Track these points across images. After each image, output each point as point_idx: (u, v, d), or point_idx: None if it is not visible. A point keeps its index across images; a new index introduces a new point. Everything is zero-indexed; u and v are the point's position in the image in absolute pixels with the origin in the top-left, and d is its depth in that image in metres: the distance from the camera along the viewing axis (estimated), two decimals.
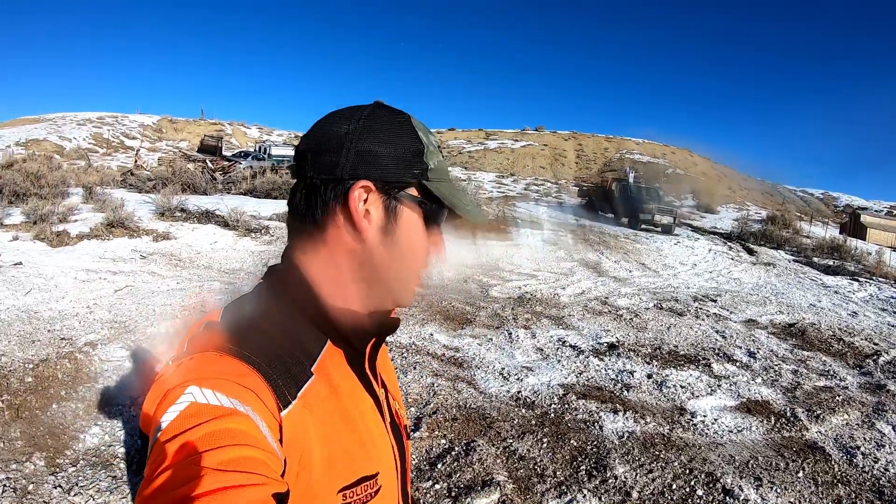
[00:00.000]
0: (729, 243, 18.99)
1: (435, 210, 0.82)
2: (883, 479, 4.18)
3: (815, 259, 17.61)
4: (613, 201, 22.27)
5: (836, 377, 6.31)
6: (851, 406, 5.47)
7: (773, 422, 4.97)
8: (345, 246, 0.79)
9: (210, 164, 23.29)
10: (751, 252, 17.50)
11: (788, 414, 5.13)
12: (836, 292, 12.51)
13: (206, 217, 11.32)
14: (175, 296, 6.82)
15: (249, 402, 0.63)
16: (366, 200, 0.78)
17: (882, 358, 7.30)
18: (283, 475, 0.63)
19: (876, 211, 47.82)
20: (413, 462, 3.83)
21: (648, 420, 4.78)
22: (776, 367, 6.36)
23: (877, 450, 4.61)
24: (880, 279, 15.60)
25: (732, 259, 15.90)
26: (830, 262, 17.04)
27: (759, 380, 5.94)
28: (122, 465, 3.44)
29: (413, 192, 0.81)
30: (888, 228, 31.71)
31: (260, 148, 29.84)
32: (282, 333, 0.75)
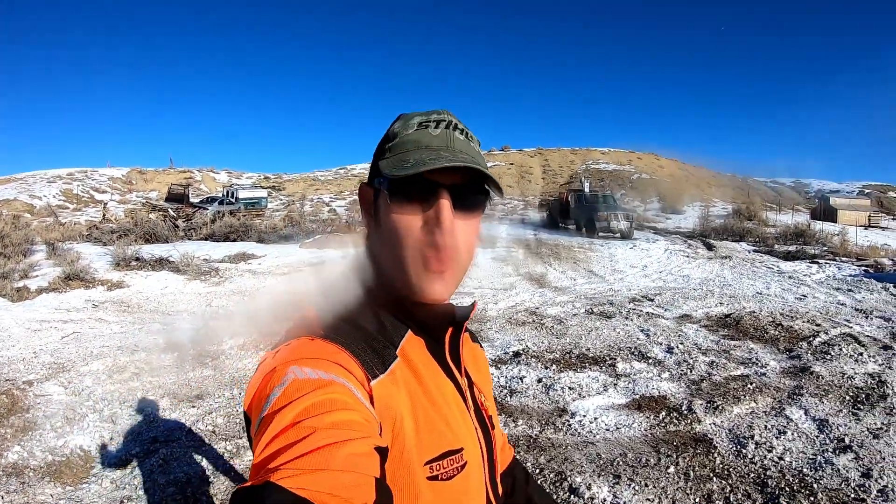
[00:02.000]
0: (689, 241, 18.85)
1: (392, 185, 0.81)
2: (771, 469, 3.82)
3: (777, 247, 17.43)
4: (570, 212, 22.27)
5: (757, 364, 5.98)
6: (763, 393, 5.13)
7: (661, 417, 4.64)
8: (370, 241, 0.88)
9: (172, 212, 24.02)
10: (710, 247, 17.32)
11: (683, 408, 4.80)
12: (790, 277, 12.26)
13: (160, 264, 11.68)
14: (115, 338, 7.05)
15: (343, 375, 0.69)
16: (366, 199, 0.88)
17: (818, 339, 6.97)
18: (380, 434, 0.68)
19: (847, 192, 48.29)
20: None
21: (520, 423, 4.51)
22: (691, 361, 6.01)
23: (775, 438, 4.24)
24: (843, 259, 15.39)
25: (688, 256, 15.70)
26: (792, 248, 16.83)
27: (665, 375, 5.60)
28: (31, 474, 3.85)
29: (378, 174, 0.84)
30: (858, 208, 32.18)
31: (228, 192, 30.54)
32: (366, 321, 0.81)
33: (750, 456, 3.99)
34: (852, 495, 3.50)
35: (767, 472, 3.77)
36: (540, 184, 49.20)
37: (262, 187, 38.59)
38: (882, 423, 4.51)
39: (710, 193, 41.90)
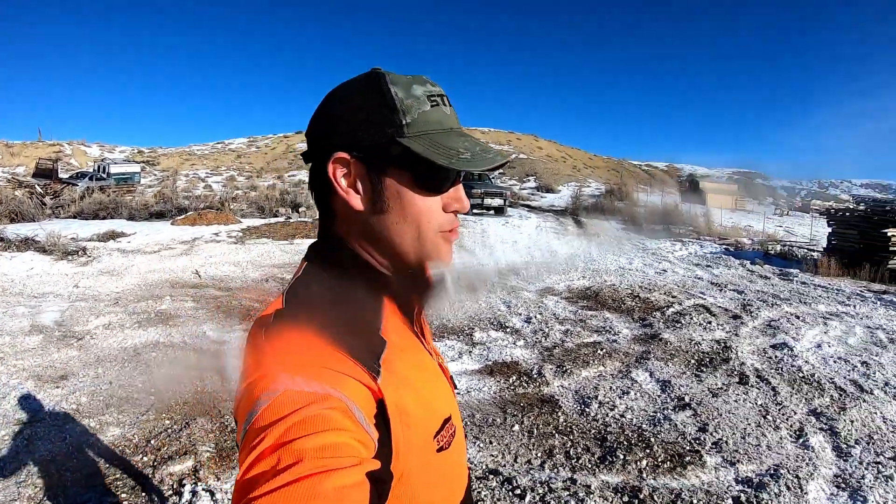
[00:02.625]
0: (560, 219, 19.48)
1: (419, 167, 0.76)
2: (612, 426, 4.02)
3: (645, 225, 18.33)
4: None
5: (610, 332, 6.25)
6: (612, 358, 5.38)
7: (512, 381, 4.79)
8: (350, 218, 0.80)
9: (39, 189, 22.59)
10: (580, 225, 17.98)
11: (534, 372, 4.97)
12: (653, 254, 12.91)
13: (26, 244, 10.92)
14: None
15: (340, 384, 0.64)
16: (348, 173, 0.78)
17: (672, 309, 7.40)
18: (384, 452, 0.65)
19: (717, 177, 51.69)
20: None
21: None
22: (547, 330, 6.22)
23: (619, 398, 4.47)
24: (706, 238, 16.40)
25: (557, 233, 16.20)
26: (659, 227, 17.74)
27: (521, 343, 5.78)
28: None
29: (397, 152, 0.76)
30: (724, 192, 34.74)
31: (99, 167, 28.73)
32: (348, 307, 0.76)
33: (593, 414, 4.18)
34: (688, 447, 3.73)
35: (608, 429, 3.96)
36: None
37: (136, 162, 36.46)
38: (722, 384, 4.84)
39: (586, 174, 43.50)
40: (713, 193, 32.94)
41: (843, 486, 3.31)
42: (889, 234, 11.36)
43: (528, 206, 24.99)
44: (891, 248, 11.21)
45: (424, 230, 0.79)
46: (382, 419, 0.67)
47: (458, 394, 4.48)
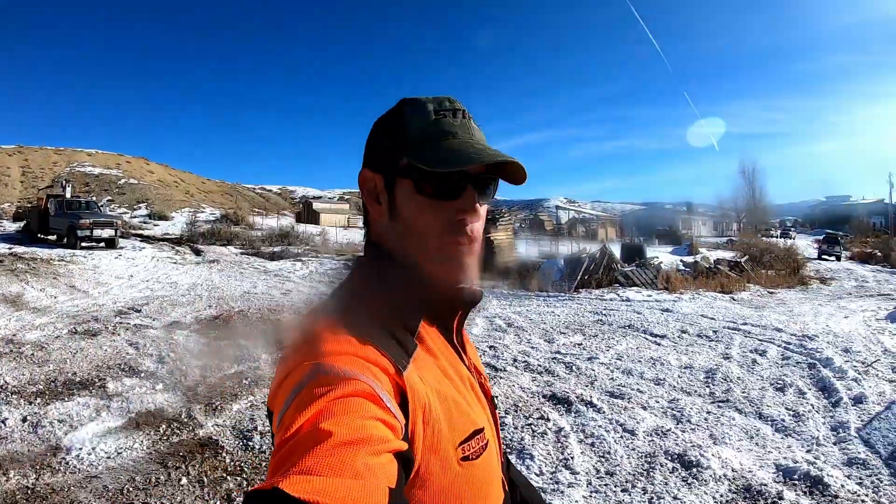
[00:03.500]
0: (177, 247, 18.66)
1: (414, 174, 0.81)
2: None
3: (264, 248, 18.59)
4: (51, 221, 19.89)
5: (250, 360, 6.29)
6: (260, 386, 5.46)
7: (163, 430, 4.51)
8: (379, 227, 0.86)
9: None
10: (198, 252, 17.48)
11: (183, 416, 4.75)
12: (276, 275, 13.22)
13: None
14: None
15: (368, 371, 0.66)
16: (373, 187, 0.85)
17: None
18: (407, 437, 0.66)
19: (329, 198, 54.68)
20: None
21: (12, 474, 3.79)
22: (184, 367, 5.99)
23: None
24: (325, 256, 17.31)
25: (176, 263, 15.58)
26: (277, 249, 18.16)
27: (160, 386, 5.44)
28: None
29: (402, 164, 0.82)
30: (337, 211, 37.18)
31: None
32: (383, 310, 0.78)
33: (258, 447, 4.21)
34: None
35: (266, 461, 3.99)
36: (18, 188, 42.91)
37: None
38: None
39: (200, 199, 42.26)
40: (326, 213, 34.93)
41: None
42: (491, 237, 13.70)
43: (140, 235, 23.25)
44: (493, 250, 13.54)
45: (432, 240, 0.81)
46: (404, 411, 0.69)
47: (108, 458, 4.05)
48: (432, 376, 0.78)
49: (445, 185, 0.81)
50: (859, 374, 6.47)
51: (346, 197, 58.92)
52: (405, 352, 0.75)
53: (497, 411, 0.99)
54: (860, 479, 3.96)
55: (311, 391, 0.63)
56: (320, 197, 56.36)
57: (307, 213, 35.81)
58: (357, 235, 26.57)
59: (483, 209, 0.86)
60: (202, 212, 34.67)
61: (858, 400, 5.55)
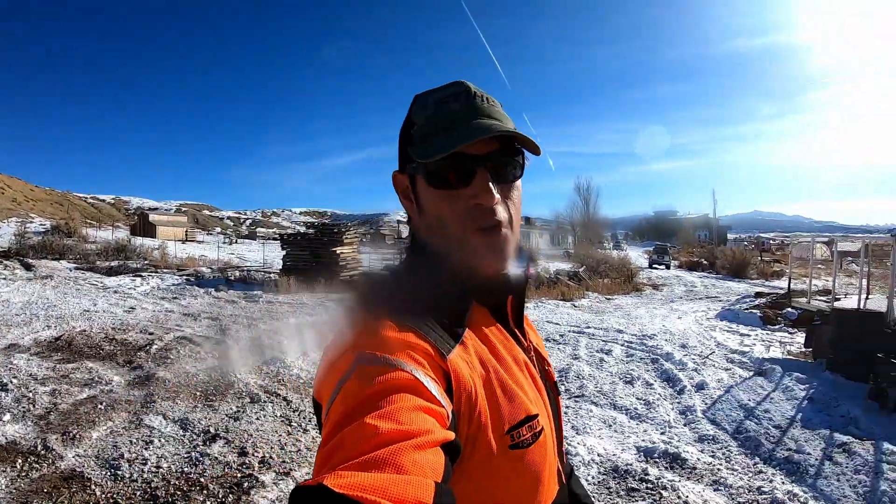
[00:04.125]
0: (5, 262, 16.83)
1: (423, 169, 0.82)
2: (156, 480, 3.81)
3: (100, 263, 17.27)
4: None
5: (101, 383, 5.82)
6: (117, 409, 5.06)
7: (19, 465, 4.01)
8: (416, 223, 0.89)
9: None
10: (29, 267, 15.91)
11: (39, 448, 4.26)
12: (115, 292, 12.38)
13: None
14: None
15: (412, 360, 0.67)
16: (406, 188, 0.88)
17: (155, 346, 7.32)
18: (452, 425, 0.66)
19: (166, 210, 51.79)
20: None
21: None
22: (31, 395, 5.36)
23: (145, 450, 4.26)
24: (164, 271, 16.34)
25: (6, 279, 14.12)
26: (115, 264, 16.94)
27: (7, 417, 4.83)
28: None
29: (413, 159, 0.84)
30: (175, 224, 35.28)
31: None
32: (430, 297, 0.79)
33: (128, 476, 3.89)
34: (239, 474, 3.88)
35: (153, 485, 3.76)
36: None
37: None
38: (237, 408, 5.12)
39: (28, 208, 38.52)
40: (164, 227, 33.10)
41: None
42: (338, 251, 14.06)
43: None
44: (340, 263, 13.97)
45: (450, 230, 0.81)
46: (450, 395, 0.69)
47: None
48: (481, 360, 0.78)
49: (452, 172, 0.80)
50: (698, 365, 7.27)
51: (184, 209, 56.00)
52: (452, 335, 0.76)
53: (559, 397, 1.00)
54: (713, 451, 4.61)
55: (354, 383, 0.65)
56: (157, 209, 53.14)
57: (143, 226, 33.62)
58: (196, 250, 25.42)
59: (511, 189, 0.85)
60: (31, 222, 31.58)
61: (700, 387, 6.26)
